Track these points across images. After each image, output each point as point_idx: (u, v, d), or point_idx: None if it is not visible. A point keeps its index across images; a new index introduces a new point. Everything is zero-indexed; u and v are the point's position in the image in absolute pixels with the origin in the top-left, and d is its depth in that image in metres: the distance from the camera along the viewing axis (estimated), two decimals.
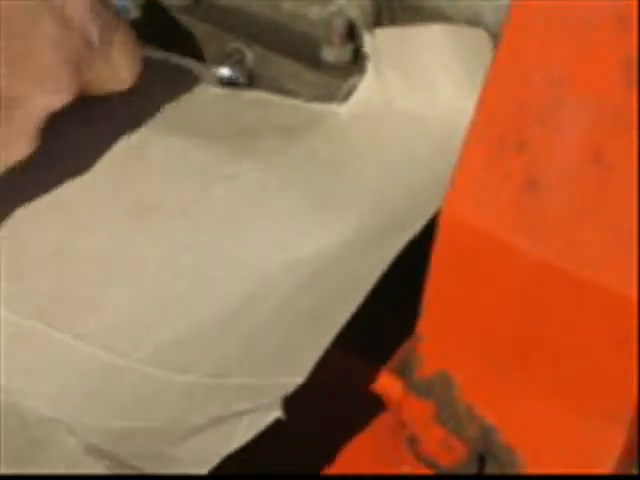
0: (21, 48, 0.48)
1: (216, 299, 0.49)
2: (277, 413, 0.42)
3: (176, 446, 0.44)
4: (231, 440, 0.43)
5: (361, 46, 0.57)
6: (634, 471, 0.45)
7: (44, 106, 0.49)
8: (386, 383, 0.48)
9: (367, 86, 0.56)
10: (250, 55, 0.58)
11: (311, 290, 0.49)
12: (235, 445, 0.43)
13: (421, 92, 0.55)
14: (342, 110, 0.56)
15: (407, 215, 0.50)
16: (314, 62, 0.57)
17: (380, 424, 0.50)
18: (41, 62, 0.48)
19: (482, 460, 0.46)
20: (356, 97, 0.56)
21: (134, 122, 0.56)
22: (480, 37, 0.54)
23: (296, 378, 0.44)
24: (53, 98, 0.49)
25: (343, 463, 0.49)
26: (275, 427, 0.43)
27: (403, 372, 0.47)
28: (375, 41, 0.56)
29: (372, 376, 0.49)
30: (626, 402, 0.41)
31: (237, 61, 0.58)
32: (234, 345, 0.48)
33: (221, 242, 0.51)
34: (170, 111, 0.57)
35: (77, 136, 0.54)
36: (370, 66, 0.56)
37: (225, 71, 0.58)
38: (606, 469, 0.43)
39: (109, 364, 0.48)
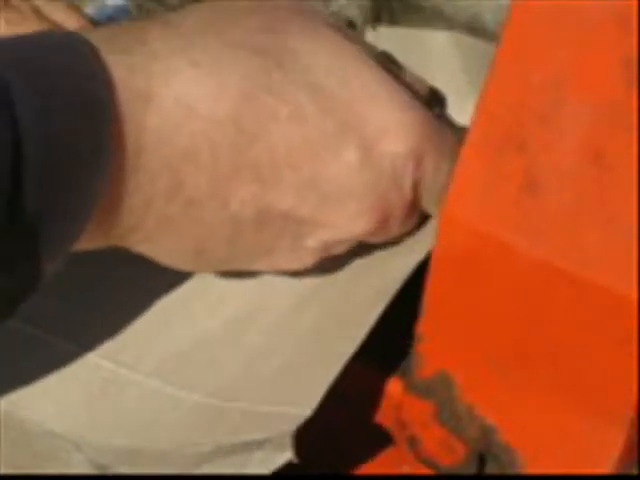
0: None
1: (217, 313, 0.49)
2: (288, 454, 0.42)
3: (187, 473, 0.44)
4: (244, 472, 0.43)
5: None
6: (634, 471, 0.45)
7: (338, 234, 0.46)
8: (386, 383, 0.48)
9: None
10: None
11: (317, 303, 0.48)
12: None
13: None
14: None
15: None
16: None
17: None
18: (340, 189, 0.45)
19: (482, 460, 0.46)
20: None
21: None
22: (482, 47, 0.54)
23: (304, 410, 0.43)
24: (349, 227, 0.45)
25: (343, 463, 0.49)
26: None
27: (403, 372, 0.47)
28: (377, 41, 0.56)
29: (371, 376, 0.48)
30: (626, 402, 0.41)
31: None
32: (237, 362, 0.47)
33: None
34: None
35: None
36: None
37: None
38: (606, 469, 0.43)
39: (114, 375, 0.48)
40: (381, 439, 0.49)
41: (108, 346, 0.49)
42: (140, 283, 0.50)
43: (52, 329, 0.49)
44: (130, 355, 0.48)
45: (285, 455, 0.42)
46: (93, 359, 0.49)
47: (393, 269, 0.47)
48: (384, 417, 0.49)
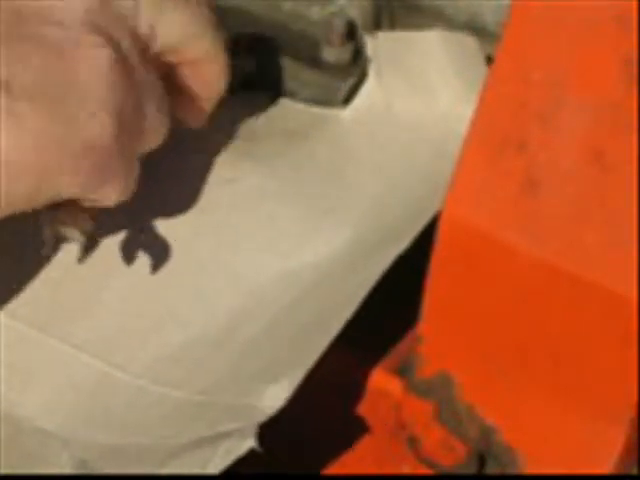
0: None
1: (211, 313, 0.49)
2: (251, 442, 0.42)
3: (159, 468, 0.44)
4: (207, 466, 0.43)
5: (361, 46, 0.57)
6: (634, 471, 0.45)
7: None
8: (386, 383, 0.48)
9: (369, 91, 0.56)
10: (250, 55, 0.58)
11: (306, 303, 0.49)
12: (211, 471, 0.43)
13: (420, 98, 0.55)
14: (343, 114, 0.56)
15: (405, 221, 0.50)
16: (314, 62, 0.57)
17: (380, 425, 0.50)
18: None
19: (482, 460, 0.46)
20: (357, 102, 0.56)
21: None
22: (472, 43, 0.55)
23: (278, 401, 0.44)
24: None
25: (343, 463, 0.49)
26: (273, 426, 0.43)
27: (403, 372, 0.47)
28: (376, 45, 0.56)
29: (370, 374, 0.49)
30: (626, 402, 0.41)
31: (237, 61, 0.58)
32: (226, 362, 0.48)
33: (218, 250, 0.51)
34: None
35: None
36: (372, 71, 0.56)
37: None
38: (606, 469, 0.43)
39: (105, 376, 0.48)
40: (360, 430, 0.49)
41: (100, 346, 0.49)
42: (132, 285, 0.51)
43: (45, 328, 0.50)
44: (121, 356, 0.49)
45: (247, 443, 0.42)
46: (85, 359, 0.49)
47: (377, 261, 0.48)
48: (365, 408, 0.49)
